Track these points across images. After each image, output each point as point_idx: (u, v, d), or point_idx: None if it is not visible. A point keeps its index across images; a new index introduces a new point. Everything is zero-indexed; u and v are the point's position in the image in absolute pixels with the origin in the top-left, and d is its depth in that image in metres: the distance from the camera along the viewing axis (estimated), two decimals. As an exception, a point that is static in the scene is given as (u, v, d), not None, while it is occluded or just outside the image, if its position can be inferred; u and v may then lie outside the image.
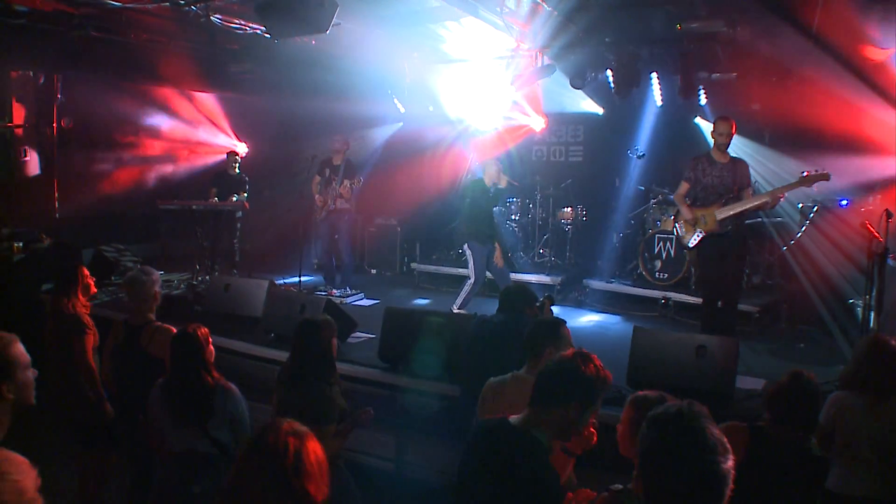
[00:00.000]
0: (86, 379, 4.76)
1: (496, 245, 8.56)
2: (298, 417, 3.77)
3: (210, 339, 4.03)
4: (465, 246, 8.52)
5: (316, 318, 4.29)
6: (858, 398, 3.75)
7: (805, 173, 6.65)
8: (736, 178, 6.87)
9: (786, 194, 6.89)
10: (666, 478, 1.71)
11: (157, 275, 4.82)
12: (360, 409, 4.05)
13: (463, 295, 8.43)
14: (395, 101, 11.84)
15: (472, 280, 8.38)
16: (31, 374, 2.62)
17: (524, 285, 5.29)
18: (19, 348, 2.57)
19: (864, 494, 3.61)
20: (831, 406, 3.81)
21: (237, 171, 10.91)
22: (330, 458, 3.70)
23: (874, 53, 7.28)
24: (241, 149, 13.17)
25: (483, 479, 2.69)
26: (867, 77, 7.57)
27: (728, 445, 1.74)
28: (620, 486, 2.37)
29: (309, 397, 3.81)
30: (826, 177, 6.57)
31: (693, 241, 7.03)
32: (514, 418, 2.74)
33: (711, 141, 7.08)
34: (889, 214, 6.41)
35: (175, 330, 4.20)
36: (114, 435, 4.88)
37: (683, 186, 7.12)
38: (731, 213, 6.79)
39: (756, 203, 6.83)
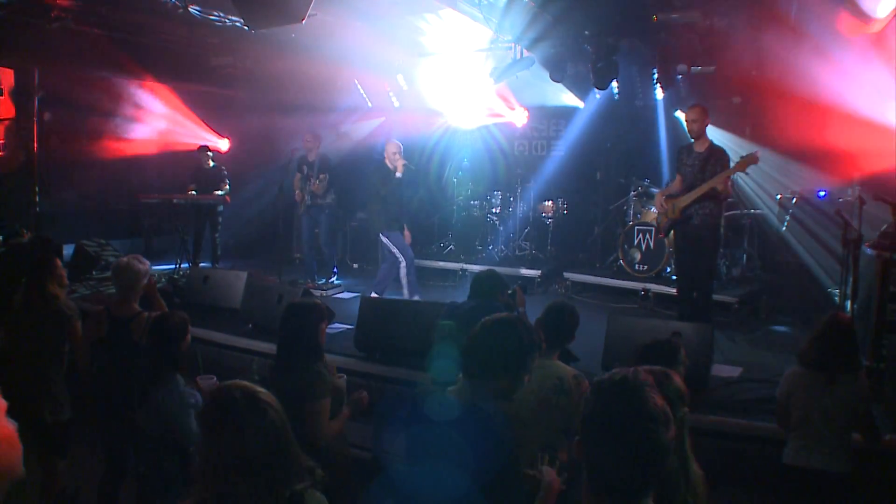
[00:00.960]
0: (80, 368, 4.63)
1: (404, 227, 8.71)
2: (291, 401, 3.78)
3: (189, 328, 4.06)
4: (381, 235, 8.63)
5: (304, 301, 4.18)
6: (812, 373, 3.80)
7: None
8: (706, 167, 6.72)
9: (732, 178, 6.94)
10: (604, 443, 1.70)
11: (148, 264, 4.74)
12: (355, 392, 3.99)
13: (405, 283, 8.52)
14: (362, 91, 11.79)
15: (403, 263, 8.50)
16: None
17: (496, 272, 5.25)
18: None
19: (818, 467, 3.66)
20: (786, 381, 3.87)
21: (212, 164, 10.88)
22: (334, 441, 3.73)
23: (852, 29, 7.28)
24: (224, 144, 13.13)
25: (435, 457, 2.63)
26: (847, 60, 7.59)
27: (671, 416, 1.72)
28: None
29: (298, 378, 3.64)
30: (755, 159, 6.51)
31: (664, 228, 7.12)
32: (451, 389, 2.70)
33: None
34: (863, 201, 6.46)
35: None
36: (65, 440, 4.67)
37: (677, 178, 7.09)
38: (688, 201, 6.76)
39: (702, 191, 6.69)
